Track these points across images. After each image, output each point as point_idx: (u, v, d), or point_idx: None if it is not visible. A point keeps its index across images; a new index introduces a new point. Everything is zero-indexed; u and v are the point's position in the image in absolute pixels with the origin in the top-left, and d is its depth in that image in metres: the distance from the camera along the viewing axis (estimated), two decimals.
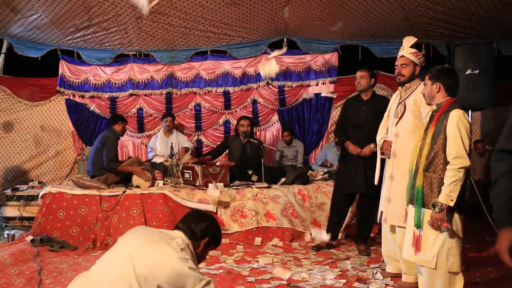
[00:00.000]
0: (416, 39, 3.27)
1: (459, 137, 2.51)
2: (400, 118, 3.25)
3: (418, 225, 2.64)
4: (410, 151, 3.01)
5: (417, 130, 3.05)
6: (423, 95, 2.81)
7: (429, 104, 2.79)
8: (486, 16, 5.06)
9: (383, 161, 3.47)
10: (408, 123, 3.20)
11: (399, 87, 3.36)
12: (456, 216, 2.58)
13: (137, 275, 1.82)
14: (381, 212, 3.36)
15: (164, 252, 1.91)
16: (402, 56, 3.27)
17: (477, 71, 4.80)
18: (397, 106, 3.30)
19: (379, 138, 3.47)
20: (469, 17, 5.13)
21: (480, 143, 6.18)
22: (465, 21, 5.22)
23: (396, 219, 3.21)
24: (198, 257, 2.09)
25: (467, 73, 4.83)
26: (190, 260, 1.94)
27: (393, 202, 3.23)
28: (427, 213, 2.60)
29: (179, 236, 2.02)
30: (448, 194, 2.49)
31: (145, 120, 6.40)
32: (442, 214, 2.51)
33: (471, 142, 2.58)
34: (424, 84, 2.78)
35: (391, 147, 3.28)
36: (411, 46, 3.27)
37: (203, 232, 2.07)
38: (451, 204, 2.49)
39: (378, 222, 3.53)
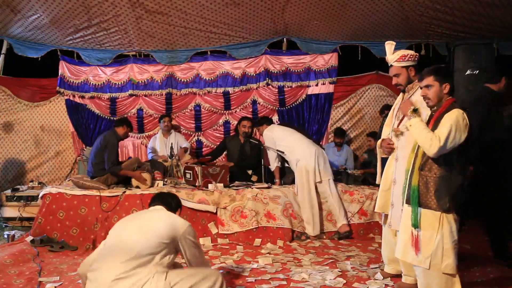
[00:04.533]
0: (394, 44, 3.19)
1: (449, 125, 2.46)
2: (401, 121, 3.18)
3: (416, 225, 2.62)
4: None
5: None
6: (423, 97, 2.72)
7: (433, 106, 2.70)
8: (486, 15, 5.06)
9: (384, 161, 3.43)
10: None
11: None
12: (451, 218, 2.56)
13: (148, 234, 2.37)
14: (385, 215, 3.31)
15: (158, 214, 2.56)
16: (392, 66, 3.19)
17: (477, 71, 4.79)
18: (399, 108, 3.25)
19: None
20: (469, 17, 5.13)
21: None
22: (465, 20, 5.22)
23: (398, 223, 3.15)
24: None
25: (467, 73, 4.82)
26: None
27: (395, 206, 3.17)
28: (424, 213, 2.59)
29: (161, 208, 2.64)
30: (412, 126, 2.63)
31: (145, 121, 6.40)
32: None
33: (461, 141, 2.49)
34: (426, 86, 2.67)
35: (389, 144, 3.22)
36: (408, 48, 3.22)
37: (178, 204, 2.79)
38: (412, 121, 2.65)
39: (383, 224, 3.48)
